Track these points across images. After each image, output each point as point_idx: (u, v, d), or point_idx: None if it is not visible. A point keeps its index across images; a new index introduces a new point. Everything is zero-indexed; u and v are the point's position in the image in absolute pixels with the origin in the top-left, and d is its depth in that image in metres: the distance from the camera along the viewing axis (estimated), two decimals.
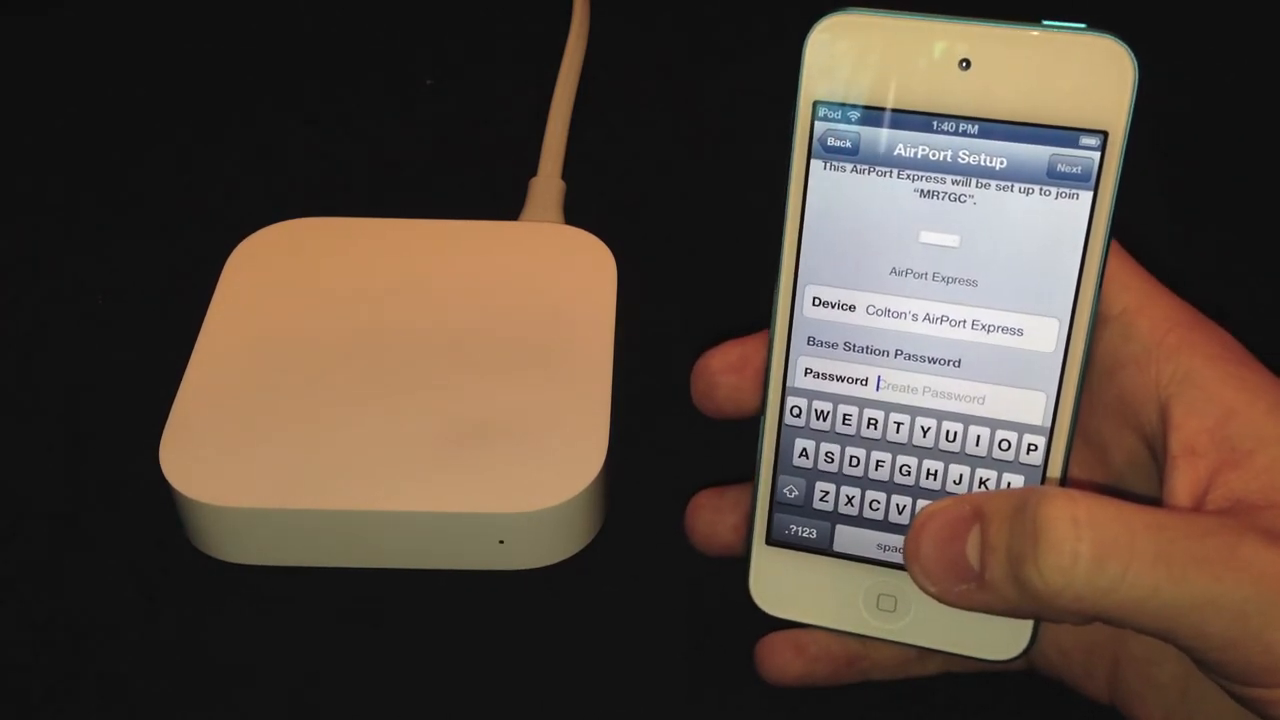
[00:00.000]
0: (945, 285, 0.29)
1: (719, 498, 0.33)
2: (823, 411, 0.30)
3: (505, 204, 0.46)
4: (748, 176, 0.48)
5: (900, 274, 0.29)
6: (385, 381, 0.38)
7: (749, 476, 0.32)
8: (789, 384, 0.30)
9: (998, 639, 0.30)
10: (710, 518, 0.33)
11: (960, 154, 0.28)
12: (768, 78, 0.54)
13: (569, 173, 0.48)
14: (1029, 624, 0.30)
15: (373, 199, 0.48)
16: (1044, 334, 0.29)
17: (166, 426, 0.36)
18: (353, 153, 0.51)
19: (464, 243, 0.43)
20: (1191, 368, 0.28)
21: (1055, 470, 0.29)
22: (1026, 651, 0.30)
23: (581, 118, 0.50)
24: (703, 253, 0.46)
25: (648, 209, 0.48)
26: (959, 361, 0.29)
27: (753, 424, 0.32)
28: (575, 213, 0.46)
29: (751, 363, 0.31)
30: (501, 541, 0.35)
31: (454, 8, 0.58)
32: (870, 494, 0.30)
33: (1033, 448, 0.29)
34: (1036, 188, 0.28)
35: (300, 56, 0.56)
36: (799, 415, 0.30)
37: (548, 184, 0.47)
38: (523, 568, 0.36)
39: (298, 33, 0.57)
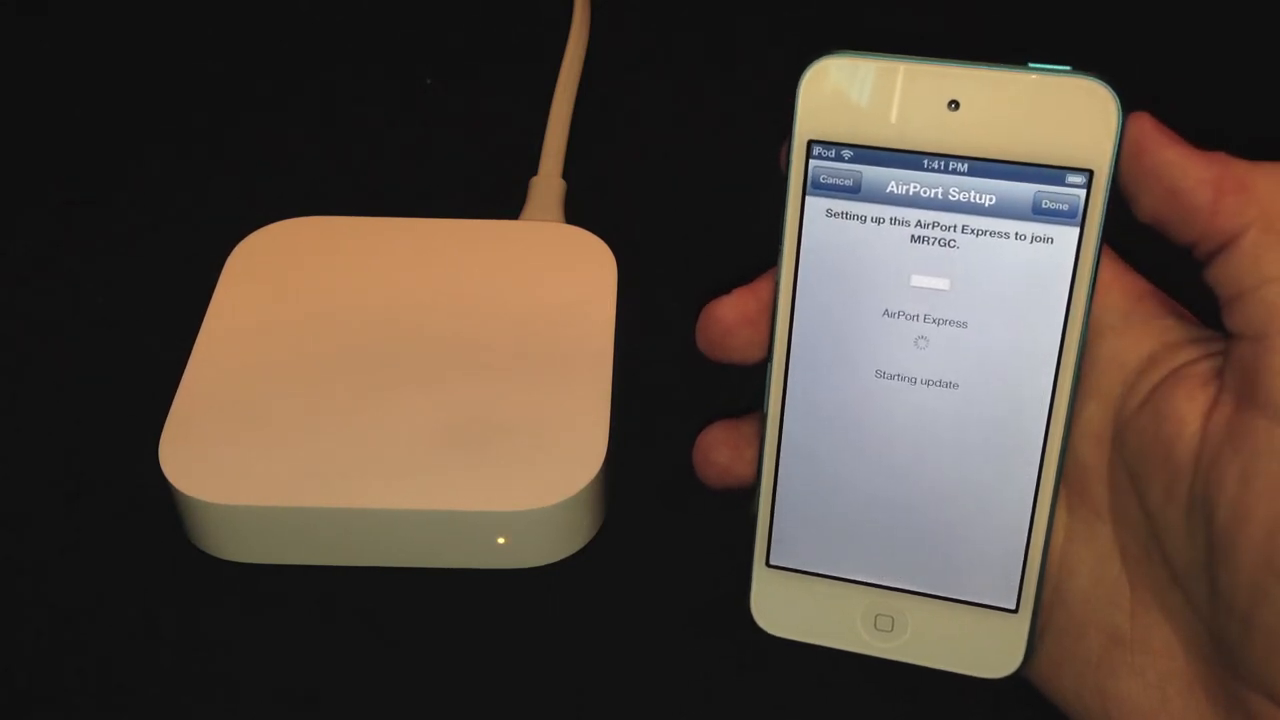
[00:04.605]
0: (936, 326, 0.29)
1: (734, 431, 0.32)
2: (819, 439, 0.31)
3: (505, 203, 0.46)
4: (748, 176, 0.48)
5: (892, 316, 0.29)
6: (385, 379, 0.38)
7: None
8: (787, 411, 0.31)
9: (993, 657, 0.31)
10: (728, 453, 0.32)
11: (950, 191, 0.28)
12: (768, 77, 0.54)
13: (569, 173, 0.48)
14: (1023, 642, 0.30)
15: (373, 199, 0.48)
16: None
17: (166, 425, 0.36)
18: (352, 152, 0.51)
19: (464, 242, 0.43)
20: (1170, 323, 0.29)
21: (1052, 462, 0.29)
22: (1021, 668, 0.31)
23: (581, 118, 0.51)
24: (703, 253, 0.46)
25: (648, 209, 0.48)
26: (955, 384, 0.30)
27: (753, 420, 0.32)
28: (575, 212, 0.46)
29: (763, 316, 0.31)
30: (501, 540, 0.35)
31: (454, 7, 0.58)
32: (867, 518, 0.31)
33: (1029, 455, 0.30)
34: (1024, 224, 0.28)
35: (300, 55, 0.56)
36: (798, 441, 0.31)
37: (548, 183, 0.47)
38: (522, 566, 0.36)
39: (298, 32, 0.57)
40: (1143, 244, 0.29)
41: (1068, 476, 0.30)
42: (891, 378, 0.30)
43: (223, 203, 0.48)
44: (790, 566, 0.32)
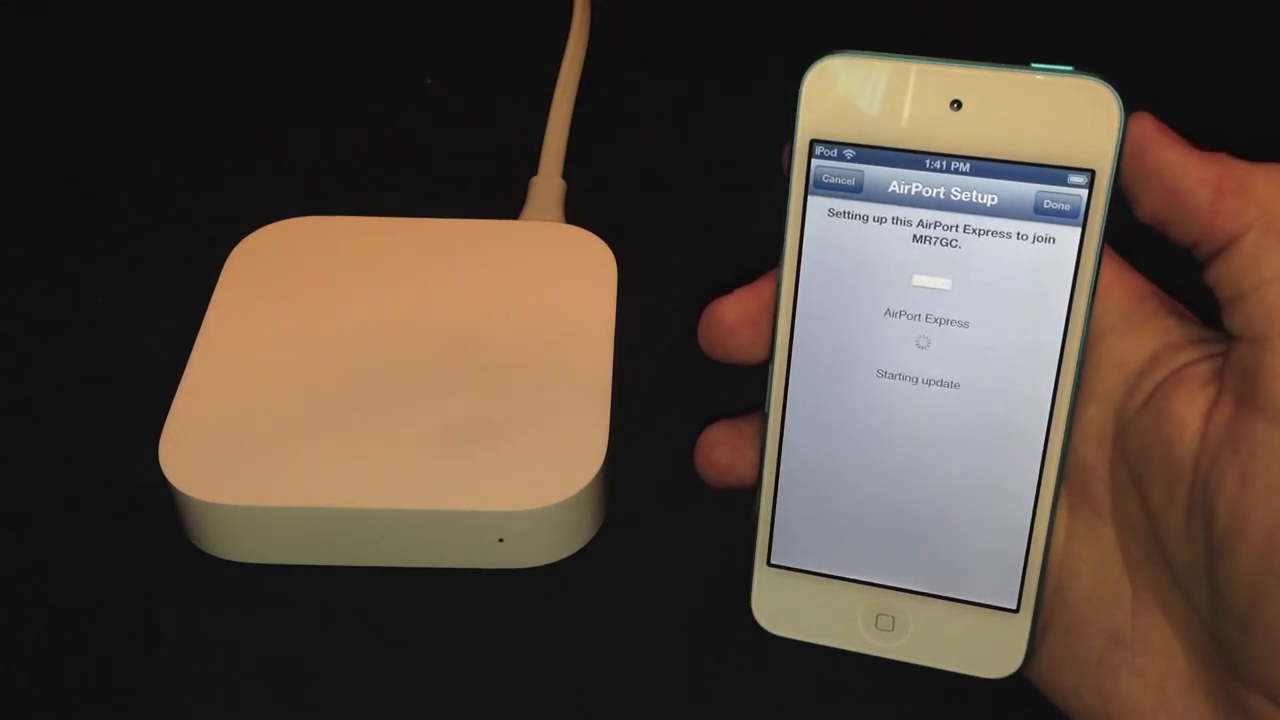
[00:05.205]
0: (938, 326, 0.29)
1: (735, 431, 0.32)
2: (820, 439, 0.31)
3: (505, 204, 0.46)
4: (748, 176, 0.48)
5: (894, 315, 0.29)
6: (385, 380, 0.38)
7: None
8: (789, 411, 0.31)
9: (994, 657, 0.31)
10: (730, 452, 0.32)
11: (952, 191, 0.28)
12: (768, 77, 0.54)
13: (569, 173, 0.48)
14: (1024, 642, 0.30)
15: (373, 199, 0.48)
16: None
17: (166, 425, 0.36)
18: (353, 152, 0.51)
19: (464, 242, 0.43)
20: (1171, 324, 0.29)
21: (1053, 462, 0.29)
22: (1022, 668, 0.31)
23: (581, 118, 0.51)
24: (703, 252, 0.46)
25: (648, 209, 0.48)
26: (956, 384, 0.30)
27: (754, 420, 0.32)
28: (575, 212, 0.46)
29: (765, 316, 0.31)
30: (501, 540, 0.35)
31: (454, 7, 0.58)
32: (869, 517, 0.31)
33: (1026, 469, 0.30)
34: (1026, 224, 0.28)
35: (300, 56, 0.56)
36: (799, 441, 0.31)
37: (548, 183, 0.47)
38: (522, 566, 0.36)
39: (298, 32, 0.57)
40: (1144, 244, 0.29)
41: (1069, 477, 0.30)
42: (893, 378, 0.30)
43: (223, 203, 0.48)
44: (791, 566, 0.32)
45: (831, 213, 0.29)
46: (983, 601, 0.30)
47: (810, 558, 0.31)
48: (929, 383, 0.30)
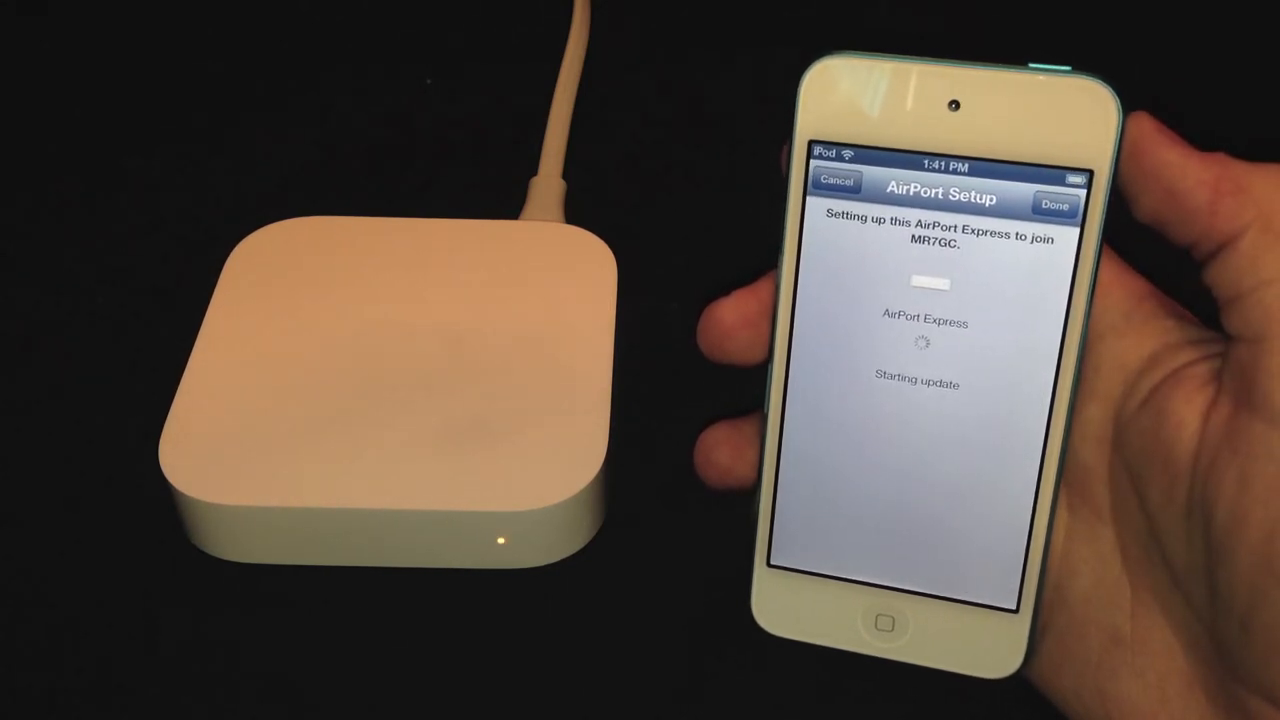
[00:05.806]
0: (937, 327, 0.29)
1: (735, 431, 0.32)
2: (820, 439, 0.31)
3: (505, 204, 0.46)
4: (748, 176, 0.48)
5: (893, 316, 0.29)
6: (385, 380, 0.38)
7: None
8: (788, 411, 0.31)
9: (993, 657, 0.31)
10: (730, 453, 0.32)
11: (951, 191, 0.29)
12: (767, 77, 0.54)
13: (569, 173, 0.48)
14: (1024, 643, 0.30)
15: (373, 199, 0.48)
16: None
17: (166, 425, 0.36)
18: (352, 152, 0.51)
19: (464, 242, 0.43)
20: (1170, 324, 0.29)
21: (1052, 462, 0.29)
22: (1021, 669, 0.31)
23: (581, 118, 0.51)
24: (703, 253, 0.46)
25: (648, 209, 0.48)
26: (956, 384, 0.30)
27: (754, 421, 0.32)
28: (575, 212, 0.46)
29: (764, 317, 0.31)
30: (501, 540, 0.35)
31: (454, 7, 0.58)
32: (868, 518, 0.31)
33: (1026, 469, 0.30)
34: (1025, 224, 0.28)
35: (300, 55, 0.56)
36: (798, 441, 0.31)
37: (548, 184, 0.47)
38: (522, 566, 0.36)
39: (298, 32, 0.57)
40: (1143, 244, 0.29)
41: (1069, 477, 0.30)
42: (892, 378, 0.30)
43: (223, 203, 0.48)
44: (791, 566, 0.32)
45: (830, 213, 0.29)
46: (982, 602, 0.31)
47: (810, 558, 0.31)
48: (928, 383, 0.30)
